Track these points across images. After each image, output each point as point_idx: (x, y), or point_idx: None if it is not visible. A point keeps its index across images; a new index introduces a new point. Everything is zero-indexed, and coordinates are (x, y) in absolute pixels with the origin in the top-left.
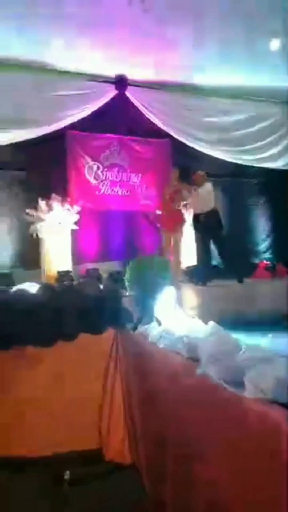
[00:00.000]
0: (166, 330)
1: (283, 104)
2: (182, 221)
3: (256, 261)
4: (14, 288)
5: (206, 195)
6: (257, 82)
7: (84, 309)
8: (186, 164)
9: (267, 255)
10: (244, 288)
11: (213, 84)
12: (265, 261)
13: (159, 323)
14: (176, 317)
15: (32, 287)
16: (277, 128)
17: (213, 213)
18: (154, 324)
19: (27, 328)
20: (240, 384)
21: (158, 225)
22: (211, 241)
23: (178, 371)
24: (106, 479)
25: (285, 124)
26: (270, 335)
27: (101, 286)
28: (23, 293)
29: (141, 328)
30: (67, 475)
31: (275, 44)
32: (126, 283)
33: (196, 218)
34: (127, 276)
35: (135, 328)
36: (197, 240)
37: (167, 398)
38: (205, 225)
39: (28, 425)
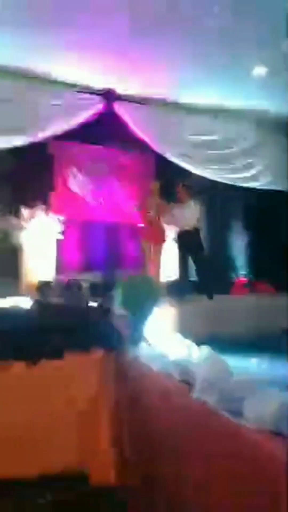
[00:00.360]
0: (159, 352)
1: (263, 125)
2: (162, 233)
3: (234, 277)
4: (5, 303)
5: (189, 212)
6: (241, 103)
7: (72, 327)
8: (168, 177)
9: (244, 271)
10: (221, 304)
11: (199, 102)
12: (243, 278)
13: (149, 344)
14: (167, 338)
15: (23, 302)
16: (257, 149)
17: (195, 232)
18: (145, 345)
19: (16, 345)
20: (237, 411)
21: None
22: (190, 258)
23: (171, 394)
24: (91, 502)
25: (264, 145)
26: (253, 360)
27: (91, 304)
28: (17, 310)
29: (131, 349)
30: (48, 497)
31: (259, 70)
32: (117, 303)
33: (178, 234)
34: (118, 296)
35: (124, 349)
36: (177, 256)
37: (160, 421)
38: (186, 243)
39: (10, 446)
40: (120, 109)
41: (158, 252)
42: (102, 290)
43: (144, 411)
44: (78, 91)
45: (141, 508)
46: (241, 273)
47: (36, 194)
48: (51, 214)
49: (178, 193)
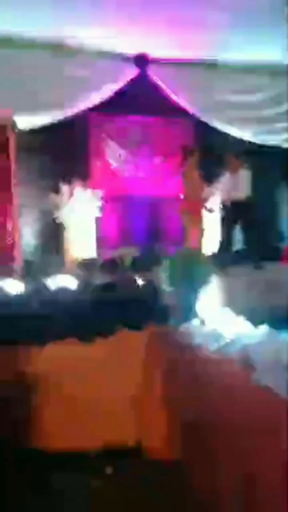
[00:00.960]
0: (214, 331)
1: None
2: (201, 204)
3: (283, 245)
4: (50, 282)
5: (242, 182)
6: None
7: (124, 305)
8: (209, 144)
9: None
10: (271, 274)
11: (238, 60)
12: None
13: (203, 322)
14: (220, 316)
15: (68, 281)
16: None
17: (247, 202)
18: (197, 322)
19: (68, 324)
20: None
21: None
22: (239, 229)
23: (230, 378)
24: (146, 475)
25: None
26: None
27: (141, 282)
28: (65, 290)
29: (183, 326)
30: (109, 470)
31: None
32: (166, 279)
33: (229, 204)
34: (167, 271)
35: (176, 326)
36: (224, 226)
37: (217, 402)
38: (236, 213)
39: (67, 420)
40: (154, 73)
41: (198, 224)
42: (145, 265)
43: (199, 391)
44: (110, 59)
45: (196, 483)
46: None
47: (75, 170)
48: (89, 190)
49: (229, 162)
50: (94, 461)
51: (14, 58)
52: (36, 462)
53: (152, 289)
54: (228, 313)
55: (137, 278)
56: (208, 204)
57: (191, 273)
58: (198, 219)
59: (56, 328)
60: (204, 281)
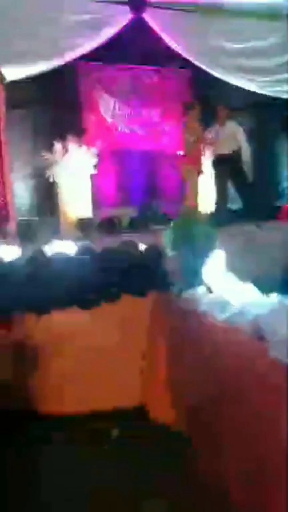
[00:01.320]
0: (220, 299)
1: None
2: (201, 157)
3: (281, 203)
4: (48, 248)
5: (229, 135)
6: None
7: (127, 271)
8: (207, 96)
9: None
10: (269, 235)
11: (239, 3)
12: None
13: (210, 290)
14: (227, 282)
15: (66, 246)
16: None
17: (235, 155)
18: (202, 289)
19: (70, 291)
20: None
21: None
22: (232, 184)
23: (238, 349)
24: (150, 438)
25: None
26: None
27: (143, 247)
28: (64, 256)
29: (187, 292)
30: (115, 432)
31: None
32: (169, 244)
33: (217, 159)
34: (170, 236)
35: (180, 292)
36: (215, 183)
37: (225, 374)
38: (224, 168)
39: (73, 383)
40: (150, 18)
41: (197, 180)
42: (143, 224)
43: (204, 361)
44: (102, 1)
45: (202, 465)
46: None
47: (68, 125)
48: (84, 146)
49: (217, 114)
50: (100, 423)
51: None
52: (41, 425)
53: (155, 254)
54: (235, 279)
55: (139, 242)
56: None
57: (194, 237)
58: (199, 173)
59: (57, 296)
60: (208, 245)
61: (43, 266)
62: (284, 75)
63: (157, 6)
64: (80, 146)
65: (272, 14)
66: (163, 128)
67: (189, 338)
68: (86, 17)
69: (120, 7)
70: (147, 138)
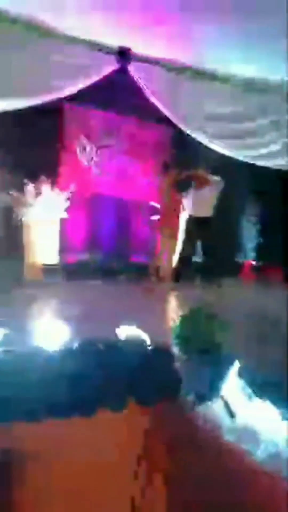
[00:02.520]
0: (248, 429)
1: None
2: (177, 221)
3: (242, 260)
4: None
5: (207, 198)
6: (270, 75)
7: (134, 375)
8: (183, 156)
9: (253, 254)
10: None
11: (224, 71)
12: (251, 261)
13: (232, 414)
14: (244, 400)
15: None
16: (281, 125)
17: (208, 219)
18: (219, 405)
19: (69, 398)
20: None
21: (155, 218)
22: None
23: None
24: None
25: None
26: None
27: (149, 345)
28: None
29: (203, 407)
30: None
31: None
32: (179, 343)
33: (190, 220)
34: (180, 334)
35: (194, 406)
36: (184, 239)
37: None
38: (197, 229)
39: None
40: (135, 71)
41: (174, 239)
42: (111, 271)
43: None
44: (90, 49)
45: None
46: (251, 256)
47: (41, 166)
48: (56, 189)
49: (195, 176)
50: None
51: None
52: None
53: (165, 355)
54: (248, 391)
55: (147, 341)
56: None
57: (209, 338)
58: (176, 235)
59: (54, 400)
60: (224, 352)
61: (38, 362)
62: (256, 139)
63: (142, 60)
64: (53, 188)
65: (246, 84)
66: (138, 178)
67: (209, 472)
68: (71, 60)
69: (106, 56)
70: (121, 186)
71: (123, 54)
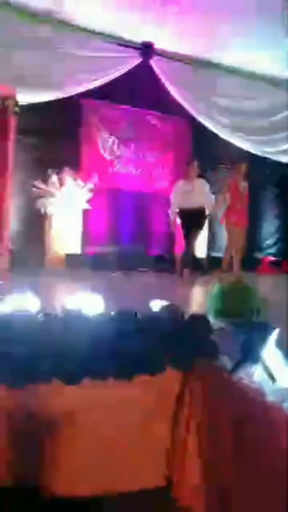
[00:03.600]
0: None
1: None
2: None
3: (261, 255)
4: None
5: (200, 190)
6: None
7: (171, 341)
8: (203, 148)
9: (273, 250)
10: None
11: (245, 66)
12: (270, 257)
13: (273, 378)
14: (285, 368)
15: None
16: None
17: (202, 210)
18: (259, 370)
19: (106, 360)
20: None
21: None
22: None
23: None
24: None
25: None
26: None
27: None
28: (104, 320)
29: (242, 372)
30: None
31: None
32: (214, 312)
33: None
34: (217, 302)
35: (233, 370)
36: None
37: None
38: (193, 220)
39: (87, 464)
40: (157, 65)
41: (242, 234)
42: (131, 264)
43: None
44: (114, 43)
45: None
46: (269, 251)
47: (65, 158)
48: (79, 181)
49: (190, 169)
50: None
51: (13, 28)
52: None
53: (202, 322)
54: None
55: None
56: None
57: (248, 306)
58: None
59: (91, 364)
60: (262, 317)
61: (75, 327)
62: (274, 136)
63: (163, 55)
64: (76, 180)
65: (267, 80)
66: (158, 172)
67: (248, 430)
68: (96, 55)
69: (130, 50)
70: (141, 180)
71: (147, 49)
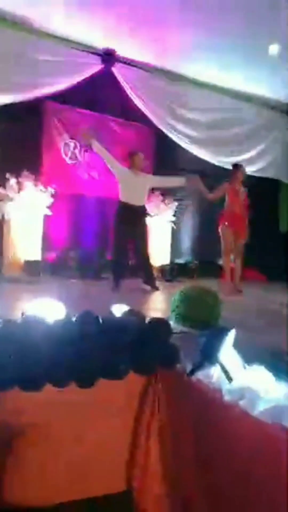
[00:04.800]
0: (247, 389)
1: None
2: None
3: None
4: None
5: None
6: (251, 86)
7: (133, 346)
8: (165, 155)
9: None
10: None
11: (206, 79)
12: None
13: (229, 378)
14: (240, 366)
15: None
16: (254, 133)
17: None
18: (216, 371)
19: (67, 367)
20: None
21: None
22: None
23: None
24: None
25: (262, 130)
26: None
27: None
28: (65, 324)
29: (201, 374)
30: None
31: (274, 49)
32: (175, 316)
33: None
34: (176, 307)
35: (193, 373)
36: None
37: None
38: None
39: (49, 471)
40: (119, 72)
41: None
42: (93, 270)
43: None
44: (76, 49)
45: None
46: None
47: (25, 162)
48: (40, 186)
49: (134, 157)
50: None
51: None
52: None
53: (163, 327)
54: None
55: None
56: None
57: (208, 310)
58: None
59: (53, 370)
60: (219, 320)
61: (37, 333)
62: (233, 147)
63: (125, 62)
64: (36, 184)
65: (225, 93)
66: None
67: (207, 430)
68: (59, 59)
69: (92, 57)
70: (103, 185)
71: (108, 56)
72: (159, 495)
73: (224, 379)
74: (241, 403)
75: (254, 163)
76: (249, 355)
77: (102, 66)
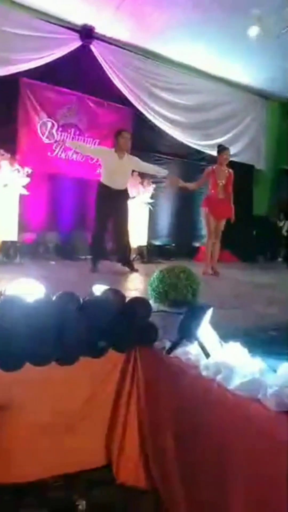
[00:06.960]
0: (223, 364)
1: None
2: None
3: (199, 244)
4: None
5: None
6: (229, 68)
7: (111, 324)
8: (144, 136)
9: None
10: None
11: (188, 60)
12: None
13: (207, 354)
14: (216, 342)
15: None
16: (233, 116)
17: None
18: (194, 348)
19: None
20: None
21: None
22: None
23: (264, 427)
24: (120, 502)
25: (241, 112)
26: None
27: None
28: (45, 303)
29: (179, 351)
30: (81, 505)
31: (254, 30)
32: (154, 296)
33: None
34: (157, 286)
35: (171, 350)
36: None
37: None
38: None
39: (30, 448)
40: (97, 49)
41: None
42: (69, 252)
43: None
44: (54, 23)
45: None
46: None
47: (0, 141)
48: (16, 165)
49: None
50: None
51: None
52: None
53: (142, 305)
54: (217, 337)
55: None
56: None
57: (185, 289)
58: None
59: (34, 349)
60: (197, 298)
61: (17, 313)
62: (210, 130)
63: (104, 40)
64: (12, 164)
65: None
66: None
67: (185, 404)
68: (36, 34)
69: (70, 32)
70: (82, 166)
71: (87, 32)
72: (137, 468)
73: (202, 355)
74: (218, 377)
75: (231, 145)
76: (225, 333)
77: (80, 42)
